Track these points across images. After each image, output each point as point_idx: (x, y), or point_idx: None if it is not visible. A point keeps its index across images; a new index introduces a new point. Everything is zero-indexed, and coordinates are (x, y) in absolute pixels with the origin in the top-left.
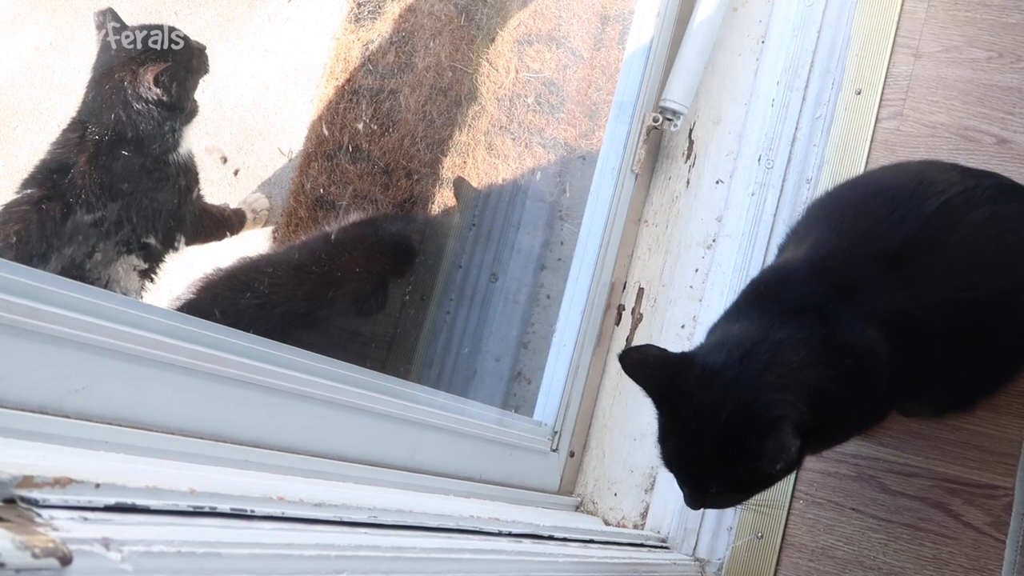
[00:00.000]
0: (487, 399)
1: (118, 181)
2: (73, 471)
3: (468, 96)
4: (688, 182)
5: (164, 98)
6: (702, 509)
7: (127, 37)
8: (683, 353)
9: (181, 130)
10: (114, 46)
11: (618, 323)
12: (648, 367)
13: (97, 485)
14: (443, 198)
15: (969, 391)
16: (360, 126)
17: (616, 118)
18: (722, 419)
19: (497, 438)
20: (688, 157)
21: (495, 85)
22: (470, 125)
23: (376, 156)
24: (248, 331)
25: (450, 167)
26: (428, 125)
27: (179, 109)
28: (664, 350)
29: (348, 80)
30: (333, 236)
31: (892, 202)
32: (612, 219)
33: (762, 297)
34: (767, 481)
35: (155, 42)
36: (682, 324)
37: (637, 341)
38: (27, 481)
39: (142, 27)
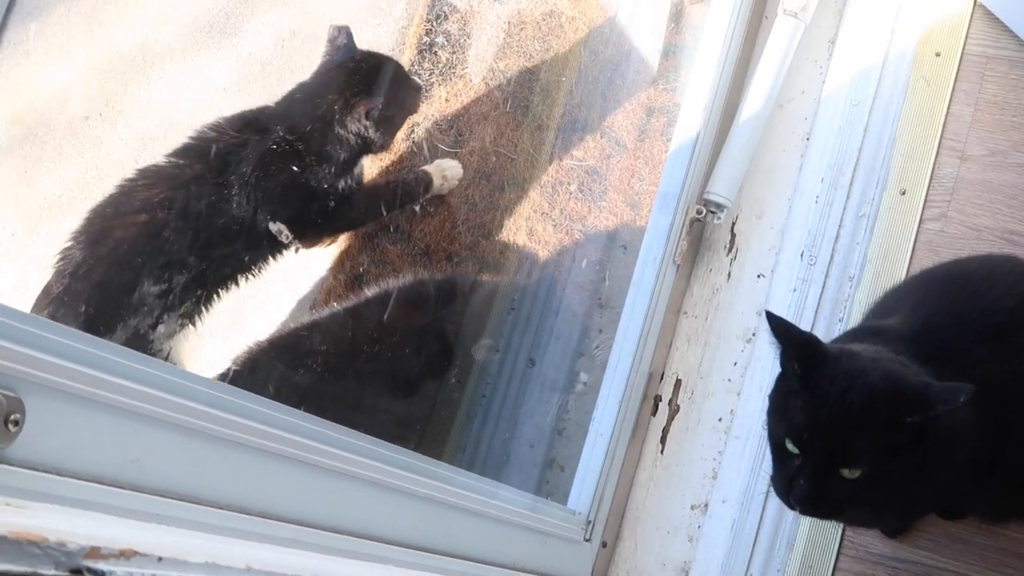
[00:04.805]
0: (520, 485)
1: (270, 185)
2: (136, 543)
3: (511, 181)
4: (729, 275)
5: (368, 132)
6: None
7: (353, 59)
8: (815, 339)
9: (365, 158)
10: (337, 63)
11: (654, 414)
12: (791, 330)
13: (160, 559)
14: (482, 282)
15: None
16: (416, 209)
17: (660, 208)
18: (874, 380)
19: (532, 525)
20: (730, 250)
21: (538, 171)
22: (512, 210)
23: (417, 237)
24: (294, 403)
25: (490, 251)
26: (470, 208)
27: (378, 144)
28: (795, 331)
29: (392, 161)
30: (386, 316)
31: (991, 279)
32: (653, 309)
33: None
34: (909, 455)
35: (377, 73)
36: (719, 417)
37: (674, 433)
38: (94, 552)
39: (370, 54)
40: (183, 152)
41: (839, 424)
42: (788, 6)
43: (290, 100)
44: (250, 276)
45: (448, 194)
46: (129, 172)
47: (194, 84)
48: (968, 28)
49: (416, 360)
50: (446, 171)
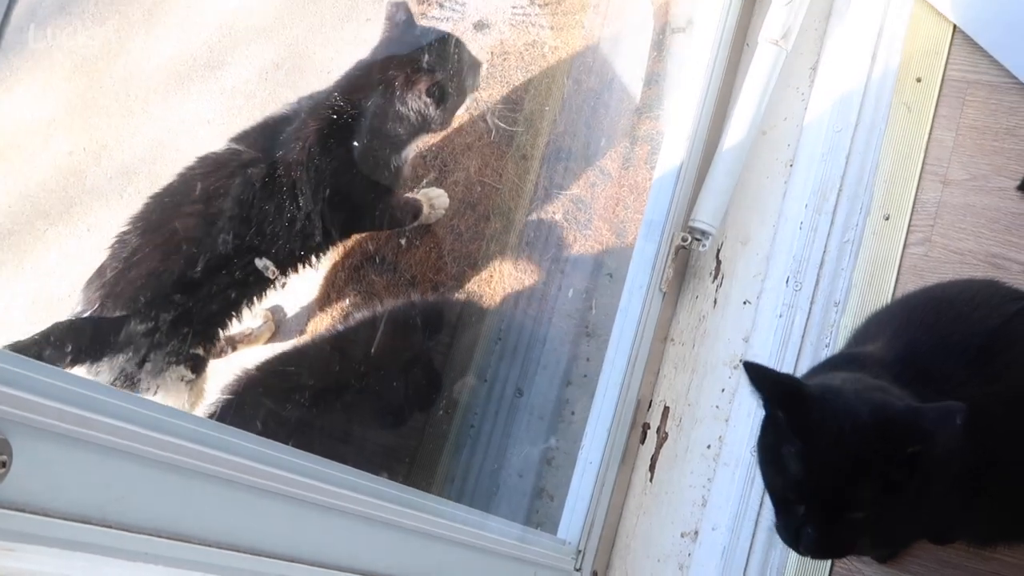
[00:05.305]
0: (509, 515)
1: (331, 167)
2: None
3: (496, 210)
4: (715, 302)
5: (428, 110)
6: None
7: (413, 35)
8: (795, 381)
9: (421, 138)
10: (396, 39)
11: (643, 441)
12: (770, 377)
13: None
14: (469, 311)
15: None
16: (402, 241)
17: (645, 236)
18: (865, 418)
19: (522, 556)
20: (716, 277)
21: (523, 200)
22: (498, 239)
23: (403, 268)
24: (281, 435)
25: (476, 281)
26: (456, 238)
27: (437, 122)
28: (772, 376)
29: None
30: (374, 349)
31: (974, 302)
32: (639, 337)
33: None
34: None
35: (438, 49)
36: (708, 444)
37: (663, 460)
38: None
39: (430, 31)
40: (243, 137)
41: (839, 471)
42: (769, 34)
43: (349, 78)
44: (308, 265)
45: (434, 224)
46: (190, 161)
47: (178, 117)
48: (948, 54)
49: (404, 392)
50: (434, 200)
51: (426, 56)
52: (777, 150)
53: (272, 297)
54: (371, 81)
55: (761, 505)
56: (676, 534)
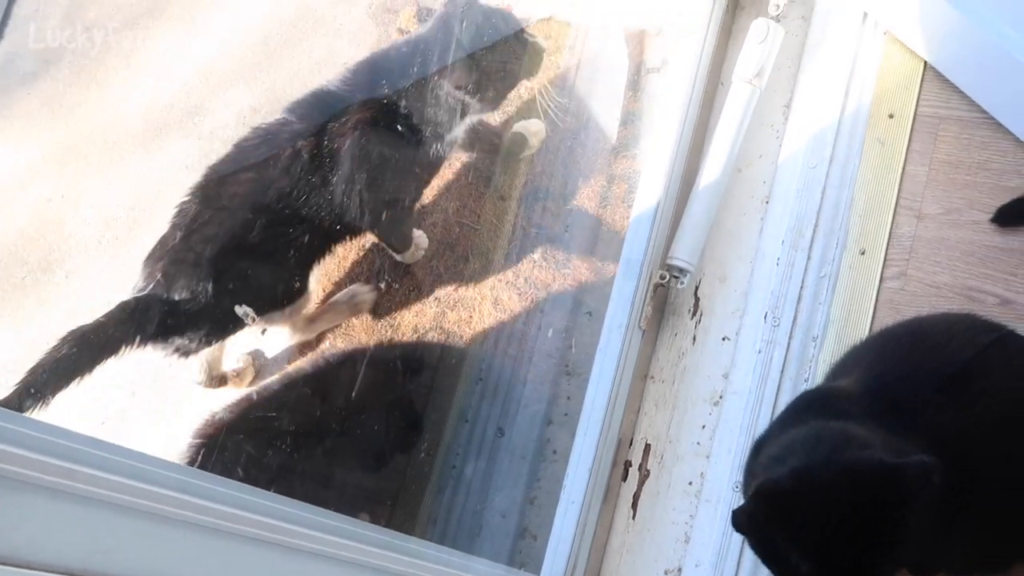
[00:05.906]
0: (493, 556)
1: (376, 150)
2: None
3: (475, 251)
4: (695, 339)
5: (465, 98)
6: None
7: (472, 12)
8: (766, 489)
9: (464, 124)
10: (447, 19)
11: (625, 479)
12: (755, 518)
13: None
14: (449, 352)
15: (1009, 543)
16: (381, 285)
17: (624, 275)
18: (847, 496)
19: None
20: (694, 314)
21: (502, 240)
22: (476, 280)
23: (382, 309)
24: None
25: (456, 321)
26: (435, 280)
27: (476, 109)
28: (749, 507)
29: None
30: (354, 392)
31: (949, 333)
32: (620, 375)
33: (821, 413)
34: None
35: (489, 33)
36: (690, 481)
37: (645, 498)
38: None
39: (493, 11)
40: (295, 107)
41: (844, 555)
42: (743, 73)
43: (398, 53)
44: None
45: (413, 265)
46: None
47: (156, 163)
48: (920, 90)
49: (385, 434)
50: (417, 240)
51: (471, 45)
52: (753, 187)
53: (260, 342)
54: (412, 64)
55: (744, 541)
56: (660, 572)
